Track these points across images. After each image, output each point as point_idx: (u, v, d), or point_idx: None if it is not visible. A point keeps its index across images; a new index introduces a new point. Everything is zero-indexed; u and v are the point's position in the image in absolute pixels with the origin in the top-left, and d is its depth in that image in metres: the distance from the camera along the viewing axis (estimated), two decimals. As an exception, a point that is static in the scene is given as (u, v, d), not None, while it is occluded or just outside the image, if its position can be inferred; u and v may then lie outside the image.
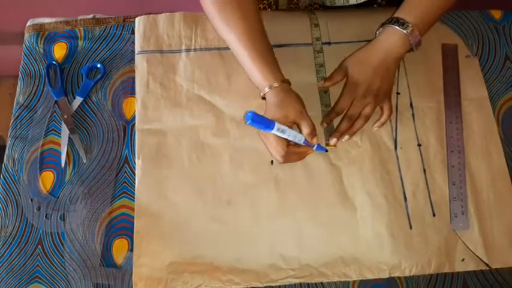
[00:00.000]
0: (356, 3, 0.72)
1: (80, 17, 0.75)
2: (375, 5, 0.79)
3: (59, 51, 0.73)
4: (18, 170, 0.65)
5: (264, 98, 0.63)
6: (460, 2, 0.66)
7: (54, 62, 0.71)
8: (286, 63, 0.65)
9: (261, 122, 0.57)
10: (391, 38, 0.62)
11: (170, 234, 0.61)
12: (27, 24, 0.75)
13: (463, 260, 0.60)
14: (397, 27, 0.61)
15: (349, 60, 0.65)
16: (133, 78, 0.70)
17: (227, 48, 0.71)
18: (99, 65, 0.71)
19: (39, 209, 0.63)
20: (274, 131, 0.58)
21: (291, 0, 0.79)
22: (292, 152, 0.61)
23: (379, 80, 0.62)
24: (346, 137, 0.64)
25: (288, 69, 0.64)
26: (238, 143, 0.66)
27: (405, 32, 0.61)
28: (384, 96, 0.63)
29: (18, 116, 0.68)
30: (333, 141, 0.64)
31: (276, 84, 0.60)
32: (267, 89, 0.61)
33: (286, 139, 0.60)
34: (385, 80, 0.63)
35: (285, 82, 0.62)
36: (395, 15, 0.62)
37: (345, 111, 0.64)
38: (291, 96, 0.61)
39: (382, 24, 0.64)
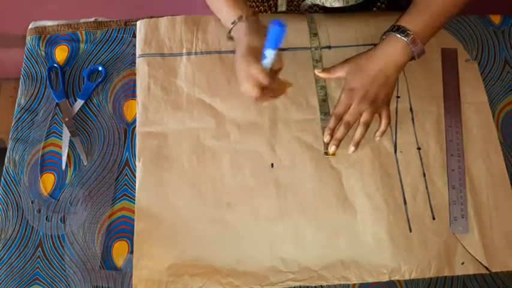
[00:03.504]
0: (355, 3, 0.72)
1: (81, 20, 0.75)
2: (374, 9, 0.80)
3: (61, 53, 0.73)
4: (19, 172, 0.65)
5: (231, 38, 0.64)
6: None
7: (55, 65, 0.71)
8: (285, 68, 0.65)
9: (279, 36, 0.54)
10: (392, 46, 0.62)
11: (170, 236, 0.61)
12: (29, 26, 0.75)
13: (462, 263, 0.61)
14: (398, 35, 0.61)
15: (349, 65, 0.65)
16: (135, 81, 0.70)
17: (228, 51, 0.71)
18: (100, 68, 0.71)
19: (39, 211, 0.63)
20: (272, 52, 0.56)
21: (291, 3, 0.80)
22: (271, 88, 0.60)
23: (377, 88, 0.62)
24: (352, 148, 0.64)
25: (286, 74, 0.64)
26: (238, 145, 0.66)
27: (406, 40, 0.60)
28: (381, 103, 0.63)
29: (19, 119, 0.69)
30: (331, 149, 0.64)
31: (244, 16, 0.62)
32: (236, 20, 0.62)
33: None
34: (383, 87, 0.63)
35: (255, 15, 0.62)
36: (398, 22, 0.62)
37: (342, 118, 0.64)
38: (264, 27, 0.61)
39: (385, 32, 0.64)
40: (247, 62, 0.59)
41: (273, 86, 0.60)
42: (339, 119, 0.63)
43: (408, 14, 0.63)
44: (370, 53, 0.64)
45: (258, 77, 0.58)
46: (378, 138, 0.65)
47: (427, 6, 0.62)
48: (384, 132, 0.65)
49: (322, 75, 0.67)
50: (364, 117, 0.63)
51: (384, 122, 0.64)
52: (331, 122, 0.64)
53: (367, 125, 0.63)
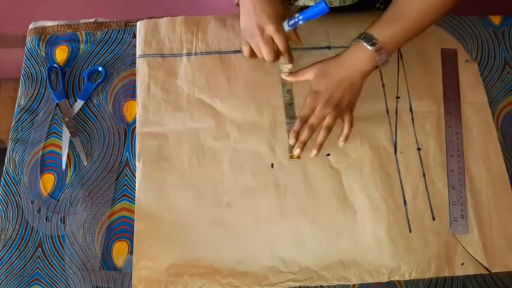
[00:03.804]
0: (352, 3, 0.72)
1: (82, 21, 0.75)
2: (373, 9, 0.80)
3: (61, 54, 0.73)
4: (19, 173, 0.65)
5: (238, 4, 0.64)
6: (460, 7, 0.67)
7: (55, 65, 0.71)
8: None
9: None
10: (358, 54, 0.62)
11: (170, 236, 0.61)
12: (29, 27, 0.75)
13: (462, 264, 0.61)
14: (364, 43, 0.61)
15: (316, 69, 0.65)
16: (135, 82, 0.70)
17: (228, 52, 0.72)
18: (100, 69, 0.71)
19: (39, 211, 0.63)
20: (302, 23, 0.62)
21: (288, 2, 0.80)
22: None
23: (342, 92, 0.62)
24: (314, 151, 0.64)
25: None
26: (238, 146, 0.66)
27: (372, 49, 0.60)
28: (345, 108, 0.63)
29: (19, 119, 0.69)
30: (296, 151, 0.64)
31: None
32: None
33: None
34: (347, 93, 0.63)
35: None
36: (368, 30, 0.62)
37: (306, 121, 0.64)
38: None
39: (355, 38, 0.63)
40: (273, 28, 0.61)
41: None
42: (304, 121, 0.64)
43: (380, 21, 0.62)
44: (338, 58, 0.64)
45: (280, 43, 0.62)
46: (341, 143, 0.65)
47: (401, 16, 0.61)
48: (346, 136, 0.65)
49: (289, 78, 0.68)
50: (327, 121, 0.63)
51: (346, 126, 0.64)
52: (296, 125, 0.64)
53: (329, 129, 0.63)
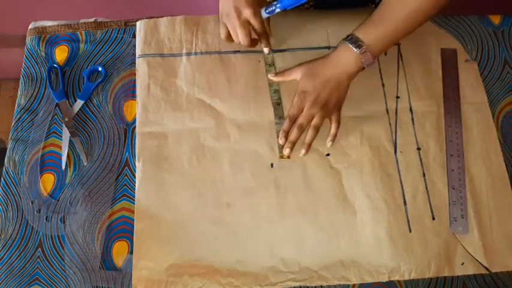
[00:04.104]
0: None
1: (81, 21, 0.75)
2: (372, 5, 0.79)
3: (61, 54, 0.73)
4: (19, 173, 0.65)
5: None
6: (459, 6, 0.67)
7: (55, 65, 0.71)
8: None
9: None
10: (345, 56, 0.62)
11: (170, 236, 0.61)
12: (29, 27, 0.75)
13: (462, 263, 0.61)
14: (350, 45, 0.61)
15: (304, 69, 0.65)
16: (134, 82, 0.70)
17: (228, 52, 0.72)
18: (100, 68, 0.71)
19: (39, 211, 0.63)
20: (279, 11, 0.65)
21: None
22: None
23: (329, 92, 0.62)
24: (303, 151, 0.64)
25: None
26: (238, 146, 0.66)
27: (357, 51, 0.60)
28: (332, 108, 0.64)
29: (19, 119, 0.69)
30: (286, 151, 0.64)
31: None
32: None
33: None
34: (334, 92, 0.63)
35: None
36: (355, 31, 0.62)
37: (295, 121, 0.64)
38: None
39: (342, 39, 0.63)
40: (250, 11, 0.63)
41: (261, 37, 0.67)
42: (293, 121, 0.64)
43: (367, 24, 0.62)
44: (325, 59, 0.64)
45: (257, 27, 0.65)
46: (329, 143, 0.65)
47: (387, 19, 0.61)
48: (334, 136, 0.65)
49: (275, 79, 0.68)
50: (315, 120, 0.63)
51: (333, 125, 0.64)
52: (285, 124, 0.64)
53: (317, 129, 0.63)
